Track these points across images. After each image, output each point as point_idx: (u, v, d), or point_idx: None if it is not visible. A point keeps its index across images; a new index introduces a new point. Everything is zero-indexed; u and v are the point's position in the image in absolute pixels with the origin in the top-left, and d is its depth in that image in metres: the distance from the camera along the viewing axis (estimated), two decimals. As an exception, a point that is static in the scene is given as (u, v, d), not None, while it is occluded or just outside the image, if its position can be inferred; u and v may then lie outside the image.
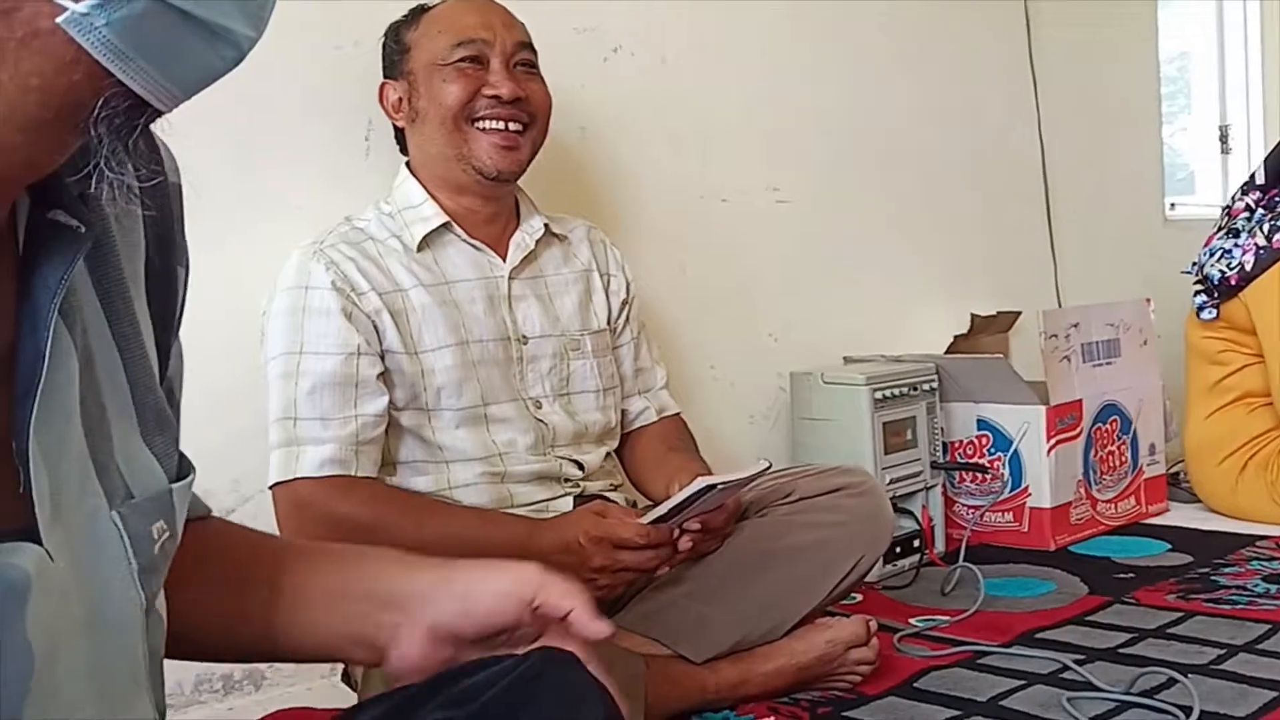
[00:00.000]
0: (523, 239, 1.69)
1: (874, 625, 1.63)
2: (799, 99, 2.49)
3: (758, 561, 1.59)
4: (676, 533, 1.49)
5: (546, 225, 1.72)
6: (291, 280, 1.53)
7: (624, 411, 1.80)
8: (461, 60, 1.60)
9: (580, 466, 1.65)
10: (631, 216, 2.18)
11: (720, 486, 1.45)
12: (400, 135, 1.71)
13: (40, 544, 0.58)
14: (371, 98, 1.71)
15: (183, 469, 0.72)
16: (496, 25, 1.63)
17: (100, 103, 0.54)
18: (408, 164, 1.69)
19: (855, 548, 1.64)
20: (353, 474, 1.49)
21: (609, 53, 2.14)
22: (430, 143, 1.63)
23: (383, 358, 1.54)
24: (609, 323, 1.77)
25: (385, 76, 1.69)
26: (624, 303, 1.80)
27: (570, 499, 1.62)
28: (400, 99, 1.66)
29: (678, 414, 1.86)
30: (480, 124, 1.60)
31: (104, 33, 0.51)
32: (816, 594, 1.62)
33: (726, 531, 1.59)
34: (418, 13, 1.68)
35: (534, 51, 1.67)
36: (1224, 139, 3.85)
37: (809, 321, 2.48)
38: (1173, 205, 3.63)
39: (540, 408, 1.64)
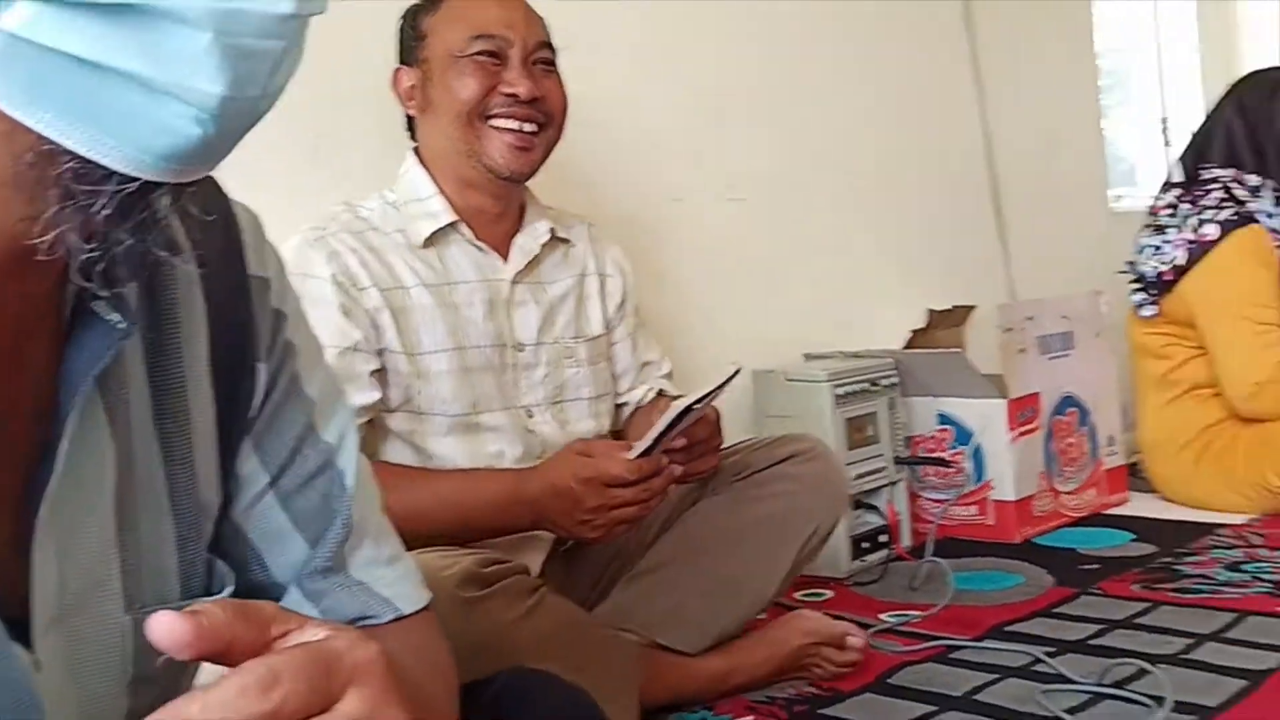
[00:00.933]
0: (527, 243, 1.64)
1: (861, 641, 1.64)
2: (751, 98, 2.48)
3: (719, 541, 1.59)
4: (666, 461, 1.45)
5: (552, 230, 1.67)
6: (290, 266, 1.48)
7: (624, 404, 1.76)
8: (479, 54, 1.54)
9: None
10: (587, 218, 2.15)
11: (697, 407, 1.42)
12: (410, 122, 1.65)
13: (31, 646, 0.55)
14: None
15: (215, 583, 0.67)
16: (518, 20, 1.57)
17: (61, 166, 0.48)
18: (415, 151, 1.63)
19: (812, 513, 1.64)
20: None
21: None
22: (441, 135, 1.57)
23: (379, 355, 1.49)
24: (605, 326, 1.73)
25: (401, 61, 1.62)
26: (620, 302, 1.76)
27: None
28: (413, 86, 1.59)
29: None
30: (495, 122, 1.55)
31: None
32: (782, 564, 1.62)
33: (716, 443, 1.57)
34: None
35: (553, 49, 1.61)
36: (1164, 131, 3.89)
37: (769, 319, 2.47)
38: (1118, 197, 3.67)
39: (532, 416, 1.60)
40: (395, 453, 1.52)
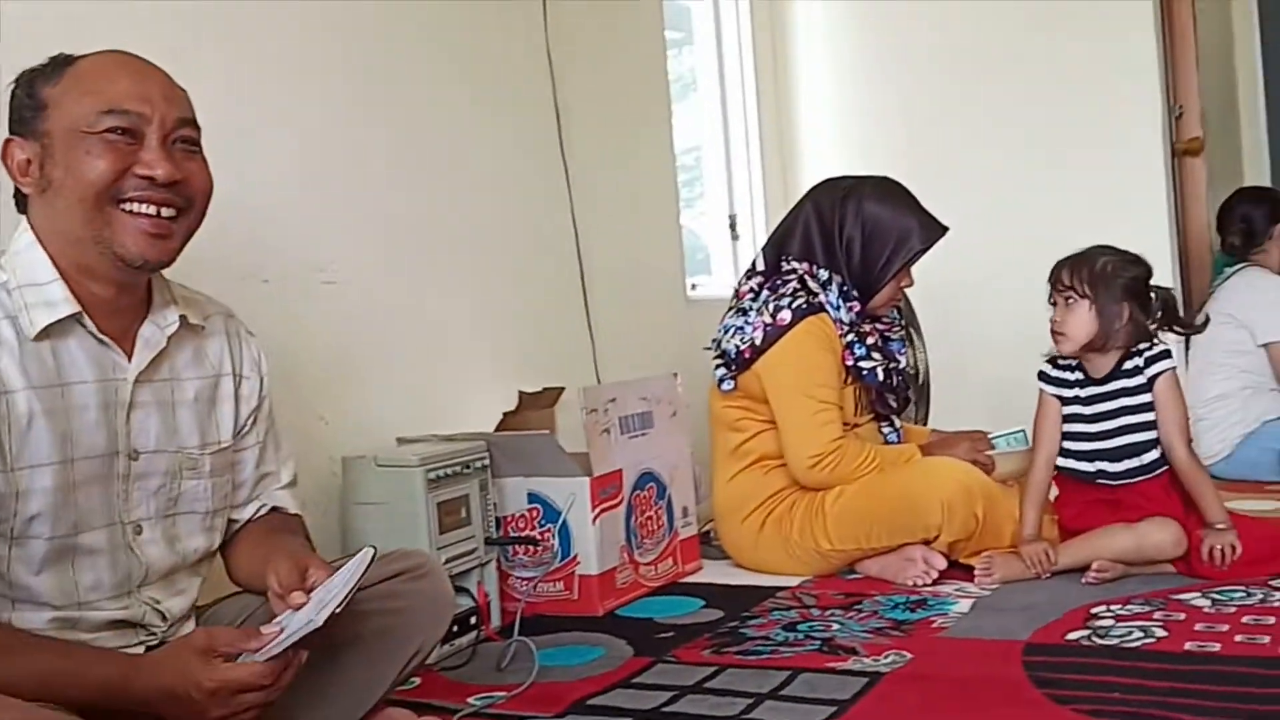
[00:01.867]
0: (153, 334, 1.50)
1: None
2: (347, 181, 2.49)
3: (326, 657, 1.53)
4: (293, 653, 1.36)
5: (183, 317, 1.54)
6: None
7: (235, 520, 1.65)
8: (111, 131, 1.39)
9: (163, 616, 1.51)
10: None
11: (337, 611, 1.35)
12: (20, 197, 1.47)
13: None
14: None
15: None
16: (155, 95, 1.43)
17: None
18: (32, 226, 1.44)
19: (418, 631, 1.64)
20: None
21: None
22: (63, 218, 1.41)
23: None
24: (235, 432, 1.62)
25: (11, 132, 1.44)
26: (255, 407, 1.65)
27: (143, 649, 1.47)
28: (29, 161, 1.42)
29: (295, 514, 1.73)
30: (127, 206, 1.41)
31: None
32: (383, 681, 1.61)
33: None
34: (60, 65, 1.44)
35: (197, 127, 1.49)
36: (733, 226, 4.27)
37: (362, 403, 2.46)
38: (694, 285, 3.97)
39: (140, 533, 1.48)
40: None
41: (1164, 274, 3.62)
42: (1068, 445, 2.52)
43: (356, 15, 2.56)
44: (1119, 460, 2.46)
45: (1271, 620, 2.04)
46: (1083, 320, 2.43)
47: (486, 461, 2.36)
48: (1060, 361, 2.55)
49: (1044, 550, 2.43)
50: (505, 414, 2.72)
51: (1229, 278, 3.76)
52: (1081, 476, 2.50)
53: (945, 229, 2.72)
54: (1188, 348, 3.71)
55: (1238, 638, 1.96)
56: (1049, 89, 3.94)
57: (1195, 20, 4.28)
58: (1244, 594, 2.22)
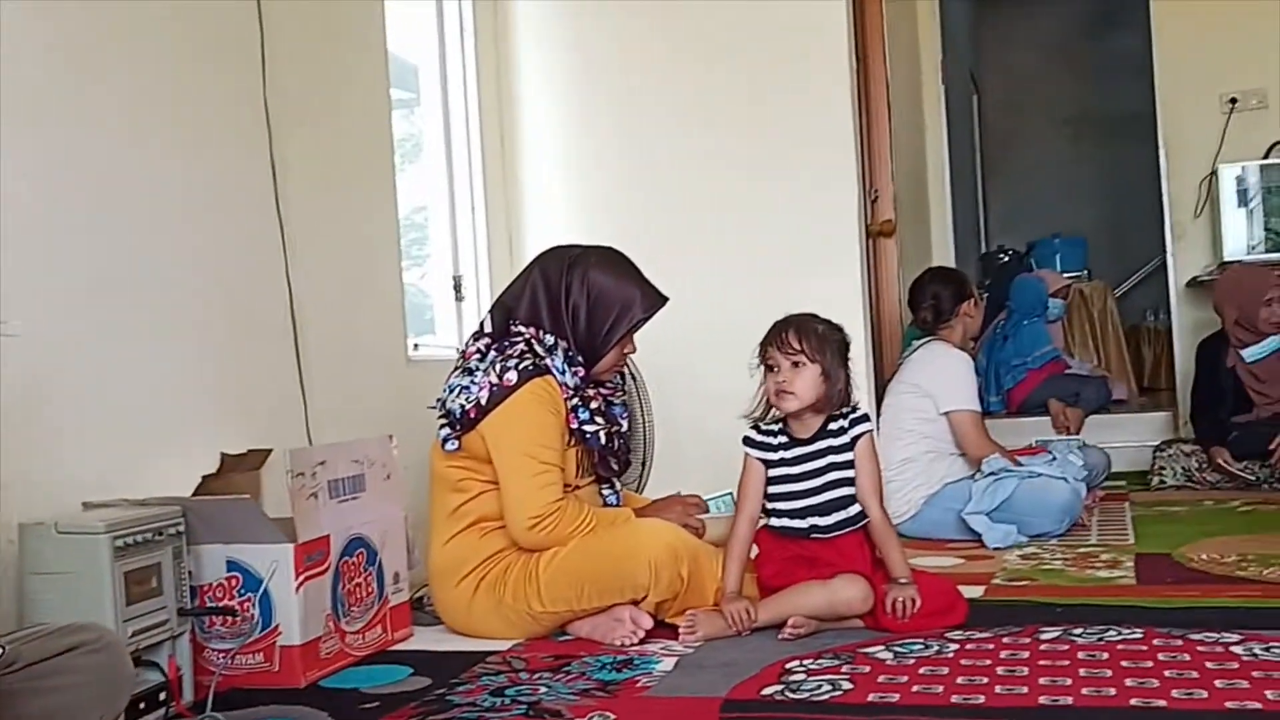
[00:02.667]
0: None
1: None
2: (33, 228, 2.34)
3: None
4: None
5: None
6: None
7: None
8: None
9: None
10: None
11: None
12: None
13: None
14: None
15: None
16: None
17: None
18: None
19: (90, 710, 1.54)
20: None
21: None
22: None
23: None
24: None
25: None
26: None
27: None
28: None
29: None
30: None
31: None
32: None
33: None
34: None
35: None
36: (458, 287, 4.27)
37: (46, 466, 2.30)
38: (416, 345, 3.93)
39: None
40: None
41: (859, 345, 3.88)
42: (779, 505, 2.64)
43: (54, 56, 2.43)
44: (829, 514, 2.60)
45: (945, 670, 2.19)
46: (812, 382, 2.58)
47: (181, 528, 2.25)
48: (764, 426, 2.68)
49: (744, 608, 2.53)
50: (205, 477, 2.60)
51: (916, 350, 4.07)
52: (794, 533, 2.62)
53: (665, 299, 2.83)
54: (879, 414, 3.98)
55: (915, 688, 2.10)
56: (763, 169, 4.15)
57: (890, 109, 4.65)
58: (922, 646, 2.39)
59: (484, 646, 2.60)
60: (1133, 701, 1.94)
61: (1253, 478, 4.56)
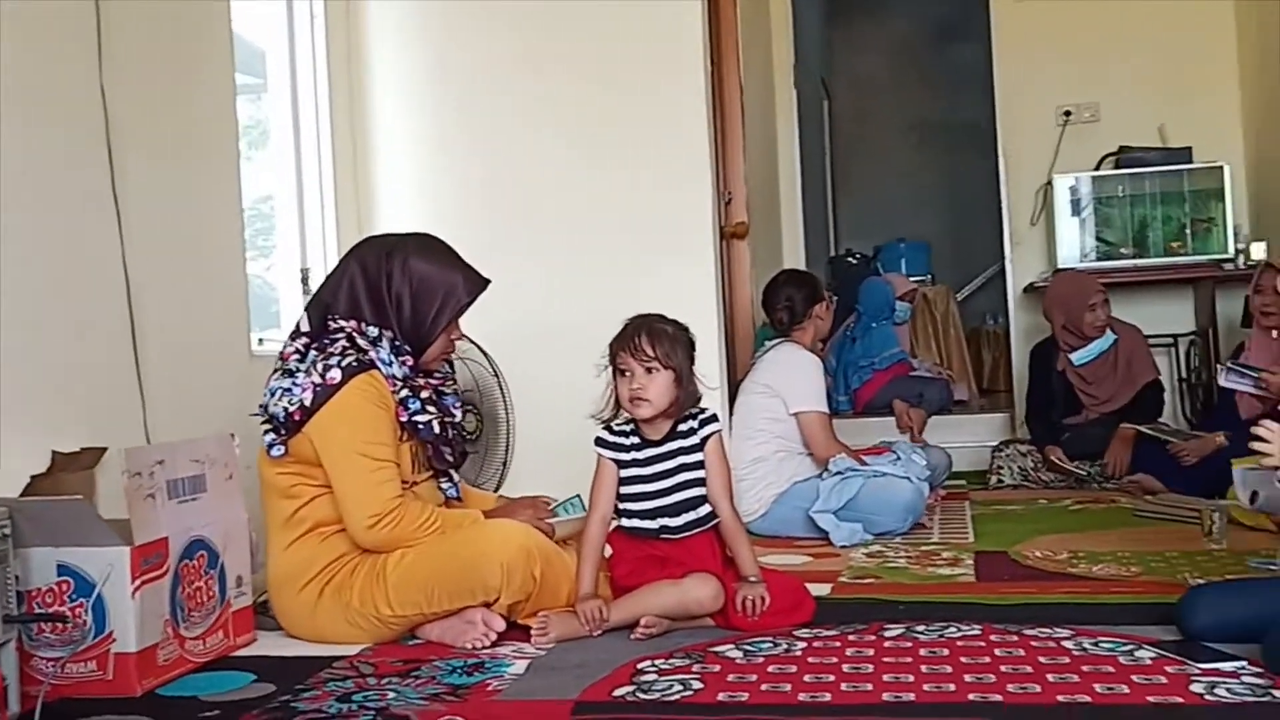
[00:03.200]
0: None
1: None
2: None
3: None
4: None
5: None
6: None
7: None
8: None
9: None
10: None
11: None
12: None
13: None
14: None
15: None
16: None
17: None
18: None
19: None
20: None
21: None
22: None
23: None
24: None
25: None
26: None
27: None
28: None
29: None
30: None
31: None
32: None
33: None
34: None
35: None
36: (305, 280, 4.15)
37: None
38: (260, 340, 3.81)
39: None
40: None
41: (713, 346, 3.92)
42: (630, 506, 2.65)
43: None
44: (678, 515, 2.62)
45: (794, 669, 2.23)
46: (666, 387, 2.58)
47: (8, 530, 2.13)
48: (615, 427, 2.68)
49: (598, 607, 2.53)
50: (34, 477, 2.47)
51: (768, 351, 4.14)
52: (644, 534, 2.63)
53: (488, 281, 2.80)
54: (731, 414, 4.03)
55: (764, 686, 2.13)
56: (617, 169, 4.15)
57: (743, 113, 4.72)
58: (771, 644, 2.42)
59: (331, 651, 2.53)
60: (971, 696, 2.01)
61: (1084, 473, 4.79)
